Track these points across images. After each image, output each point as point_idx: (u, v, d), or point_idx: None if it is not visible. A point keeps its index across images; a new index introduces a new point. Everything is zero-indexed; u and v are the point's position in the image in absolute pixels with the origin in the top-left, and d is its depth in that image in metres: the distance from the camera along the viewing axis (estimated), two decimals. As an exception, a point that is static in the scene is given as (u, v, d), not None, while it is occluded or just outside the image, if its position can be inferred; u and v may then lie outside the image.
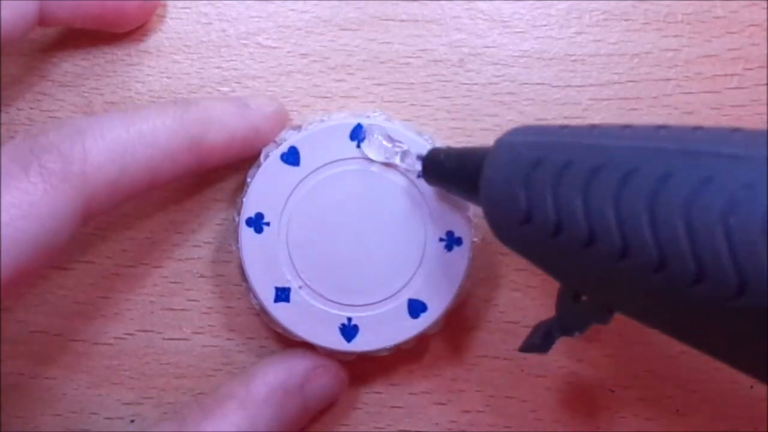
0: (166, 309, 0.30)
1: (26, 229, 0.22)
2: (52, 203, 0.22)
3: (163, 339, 0.30)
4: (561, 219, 0.18)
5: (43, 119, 0.30)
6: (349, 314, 0.27)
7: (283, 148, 0.27)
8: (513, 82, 0.29)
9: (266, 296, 0.27)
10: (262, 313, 0.27)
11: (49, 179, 0.22)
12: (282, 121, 0.28)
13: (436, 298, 0.27)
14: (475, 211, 0.27)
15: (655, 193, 0.16)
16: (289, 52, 0.30)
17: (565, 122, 0.29)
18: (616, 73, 0.29)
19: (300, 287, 0.27)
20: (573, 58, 0.29)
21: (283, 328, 0.27)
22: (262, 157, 0.27)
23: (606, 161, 0.17)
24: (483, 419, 0.29)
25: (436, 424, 0.29)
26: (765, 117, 0.29)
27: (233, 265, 0.30)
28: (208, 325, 0.30)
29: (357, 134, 0.27)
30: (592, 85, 0.29)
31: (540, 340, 0.22)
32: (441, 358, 0.29)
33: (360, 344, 0.27)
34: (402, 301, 0.27)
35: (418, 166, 0.26)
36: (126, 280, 0.30)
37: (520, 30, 0.30)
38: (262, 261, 0.27)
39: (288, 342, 0.28)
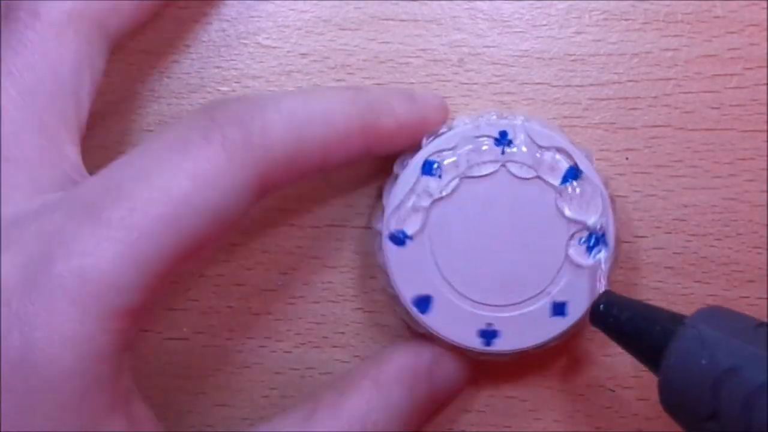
0: (166, 309, 0.30)
1: (210, 198, 0.22)
2: (234, 173, 0.22)
3: (163, 339, 0.30)
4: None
5: (43, 119, 0.30)
6: (491, 315, 0.27)
7: (423, 158, 0.27)
8: (513, 82, 0.29)
9: (412, 305, 0.27)
10: (408, 319, 0.27)
11: (231, 149, 0.22)
12: (445, 114, 0.28)
13: (577, 300, 0.27)
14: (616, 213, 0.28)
15: None
16: (289, 51, 0.30)
17: (565, 122, 0.29)
18: (616, 73, 0.29)
19: (445, 292, 0.27)
20: (573, 57, 0.29)
21: (430, 332, 0.27)
22: (398, 169, 0.27)
23: None
24: (483, 419, 0.29)
25: (437, 423, 0.29)
26: (765, 117, 0.29)
27: (234, 264, 0.30)
28: (208, 325, 0.30)
29: (502, 140, 0.27)
30: (592, 84, 0.29)
31: None
32: (441, 358, 0.29)
33: (501, 344, 0.27)
34: (544, 303, 0.27)
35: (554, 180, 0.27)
36: (126, 280, 0.30)
37: (520, 30, 0.30)
38: (408, 271, 0.27)
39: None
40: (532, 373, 0.29)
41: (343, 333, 0.30)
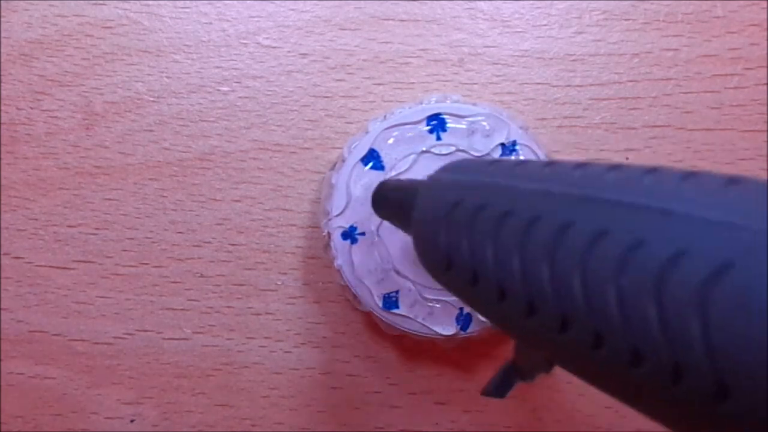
0: (166, 309, 0.30)
1: None
2: None
3: (163, 339, 0.30)
4: (476, 267, 0.16)
5: (44, 119, 0.30)
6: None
7: (362, 152, 0.27)
8: (513, 82, 0.29)
9: (376, 304, 0.27)
10: (376, 319, 0.27)
11: None
12: None
13: None
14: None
15: (554, 246, 0.14)
16: (289, 51, 0.30)
17: (565, 122, 0.29)
18: (616, 73, 0.29)
19: (408, 288, 0.27)
20: (573, 57, 0.29)
21: (402, 330, 0.27)
22: (340, 162, 0.27)
23: (515, 207, 0.16)
24: (483, 419, 0.29)
25: (436, 423, 0.29)
26: (765, 117, 0.29)
27: (233, 264, 0.30)
28: (208, 325, 0.30)
29: (434, 123, 0.27)
30: (592, 84, 0.29)
31: (496, 385, 0.20)
32: (441, 358, 0.29)
33: (475, 326, 0.27)
34: None
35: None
36: (126, 280, 0.30)
37: (520, 30, 0.30)
38: (364, 270, 0.27)
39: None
40: (532, 373, 0.29)
41: (343, 333, 0.30)
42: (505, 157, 0.18)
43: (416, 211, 0.19)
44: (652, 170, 0.14)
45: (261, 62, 0.30)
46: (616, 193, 0.14)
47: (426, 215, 0.19)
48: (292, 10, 0.30)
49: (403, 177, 0.27)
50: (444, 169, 0.19)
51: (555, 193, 0.15)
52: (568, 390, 0.29)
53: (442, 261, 0.18)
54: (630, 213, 0.13)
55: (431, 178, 0.19)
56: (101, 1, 0.30)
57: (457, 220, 0.17)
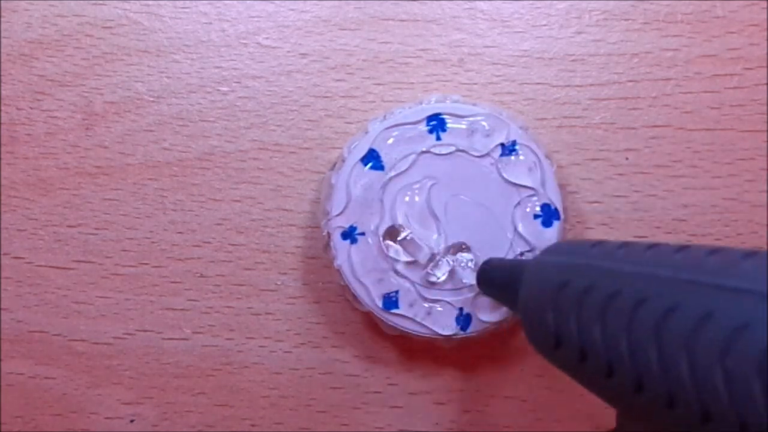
0: (166, 309, 0.30)
1: None
2: None
3: (163, 339, 0.30)
4: (584, 346, 0.18)
5: (43, 119, 0.30)
6: (460, 300, 0.27)
7: (362, 152, 0.27)
8: (513, 82, 0.29)
9: (376, 304, 0.27)
10: (376, 319, 0.28)
11: None
12: None
13: None
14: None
15: (660, 327, 0.15)
16: (288, 52, 0.30)
17: (565, 122, 0.29)
18: (616, 73, 0.29)
19: (408, 288, 0.27)
20: (573, 57, 0.29)
21: (401, 330, 0.27)
22: (340, 162, 0.27)
23: (621, 289, 0.17)
24: (483, 419, 0.29)
25: (436, 424, 0.29)
26: (765, 117, 0.29)
27: (233, 264, 0.30)
28: (208, 325, 0.30)
29: (434, 123, 0.27)
30: (592, 84, 0.29)
31: None
32: (441, 358, 0.29)
33: (474, 326, 0.27)
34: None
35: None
36: (126, 280, 0.30)
37: (520, 30, 0.30)
38: (364, 270, 0.27)
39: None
40: (531, 373, 0.29)
41: (343, 333, 0.30)
42: (606, 240, 0.20)
43: (523, 291, 0.20)
44: (751, 254, 0.15)
45: (261, 62, 0.30)
46: (718, 277, 0.15)
47: (533, 295, 0.20)
48: (292, 10, 0.30)
49: (404, 178, 0.27)
50: (548, 252, 0.21)
51: (659, 277, 0.16)
52: (568, 390, 0.29)
53: (551, 339, 0.19)
54: (733, 297, 0.14)
55: (536, 259, 0.21)
56: (101, 1, 0.30)
57: (565, 300, 0.18)
